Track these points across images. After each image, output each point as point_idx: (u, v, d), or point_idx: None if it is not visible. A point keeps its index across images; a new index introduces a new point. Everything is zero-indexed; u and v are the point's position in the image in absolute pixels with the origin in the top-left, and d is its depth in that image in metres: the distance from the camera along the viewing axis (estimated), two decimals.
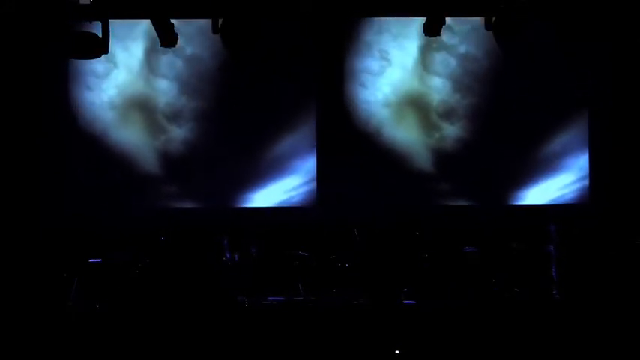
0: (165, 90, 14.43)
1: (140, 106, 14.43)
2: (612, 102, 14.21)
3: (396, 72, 14.48)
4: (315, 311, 11.99)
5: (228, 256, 13.03)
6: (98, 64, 14.26)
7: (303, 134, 14.48)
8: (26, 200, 14.04)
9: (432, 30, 12.81)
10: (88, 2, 12.27)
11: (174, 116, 14.46)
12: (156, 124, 14.45)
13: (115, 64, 14.37)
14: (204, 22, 14.02)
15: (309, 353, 10.56)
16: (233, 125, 14.45)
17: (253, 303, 12.52)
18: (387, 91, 14.48)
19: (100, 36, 12.49)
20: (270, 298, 12.89)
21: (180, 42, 13.66)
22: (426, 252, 12.98)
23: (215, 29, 12.67)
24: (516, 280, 12.80)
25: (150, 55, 14.37)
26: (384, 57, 14.46)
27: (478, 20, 14.07)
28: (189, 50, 14.36)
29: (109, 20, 12.61)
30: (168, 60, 14.37)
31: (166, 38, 12.67)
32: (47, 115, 14.24)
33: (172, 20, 12.87)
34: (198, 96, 14.44)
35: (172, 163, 14.45)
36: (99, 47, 12.52)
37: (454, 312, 11.56)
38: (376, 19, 14.29)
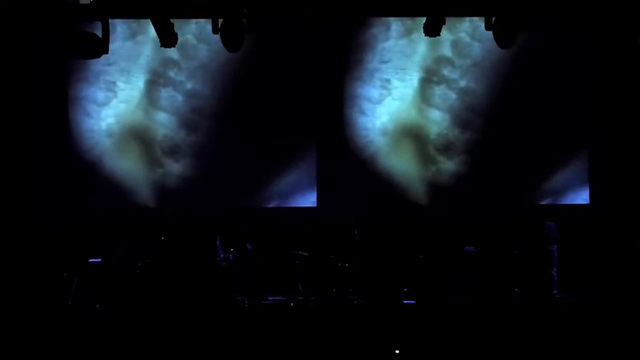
0: (164, 123, 14.36)
1: (138, 137, 14.36)
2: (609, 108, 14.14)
3: (395, 102, 14.40)
4: (315, 311, 12.01)
5: (228, 256, 13.03)
6: (99, 92, 14.25)
7: (304, 168, 14.34)
8: (28, 201, 14.05)
9: (432, 30, 12.80)
10: (88, 2, 12.29)
11: (171, 150, 14.38)
12: (153, 156, 14.39)
13: (116, 94, 14.32)
14: (207, 58, 14.12)
15: (309, 353, 10.55)
16: (232, 161, 14.33)
17: (253, 303, 12.54)
18: (385, 119, 14.40)
19: (100, 36, 12.51)
20: (270, 298, 12.91)
21: (181, 76, 13.88)
22: (426, 252, 12.98)
23: (215, 29, 12.68)
24: (516, 280, 12.81)
25: (150, 88, 14.31)
26: (385, 86, 14.39)
27: (480, 54, 14.07)
28: (189, 85, 14.31)
29: (110, 20, 12.64)
30: (168, 94, 14.33)
31: (166, 38, 12.68)
32: (47, 121, 14.25)
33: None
34: (198, 131, 14.36)
35: (168, 196, 14.33)
36: (99, 47, 12.54)
37: (454, 312, 11.56)
38: (379, 47, 14.25)
